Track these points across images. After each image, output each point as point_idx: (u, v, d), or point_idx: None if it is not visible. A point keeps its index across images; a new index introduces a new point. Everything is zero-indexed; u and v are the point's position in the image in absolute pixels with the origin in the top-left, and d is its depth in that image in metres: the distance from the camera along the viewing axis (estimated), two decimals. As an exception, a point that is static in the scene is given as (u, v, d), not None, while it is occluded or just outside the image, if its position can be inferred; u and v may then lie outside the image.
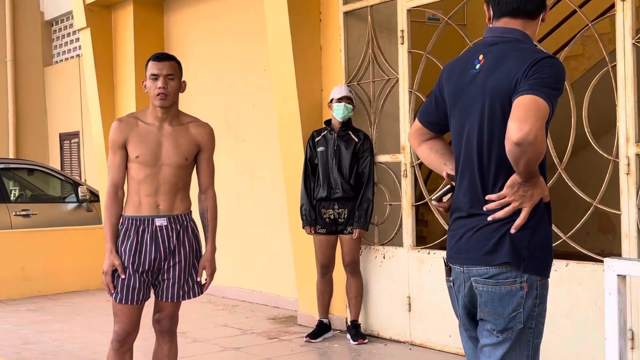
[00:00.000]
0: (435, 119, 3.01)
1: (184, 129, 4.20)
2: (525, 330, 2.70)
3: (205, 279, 4.28)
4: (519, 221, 2.66)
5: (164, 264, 4.11)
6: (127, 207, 4.13)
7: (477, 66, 2.79)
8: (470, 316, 2.87)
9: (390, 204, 6.55)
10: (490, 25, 2.87)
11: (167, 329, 4.26)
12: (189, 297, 4.22)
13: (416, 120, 3.08)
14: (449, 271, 2.90)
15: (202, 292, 4.29)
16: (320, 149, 6.45)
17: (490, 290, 2.70)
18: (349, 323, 6.49)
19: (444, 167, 3.00)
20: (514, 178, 2.64)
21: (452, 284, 2.89)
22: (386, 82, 6.55)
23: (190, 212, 4.25)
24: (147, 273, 4.09)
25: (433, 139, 3.06)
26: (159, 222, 4.10)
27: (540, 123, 2.49)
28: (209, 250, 4.26)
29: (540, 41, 7.71)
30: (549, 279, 2.77)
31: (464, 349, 2.97)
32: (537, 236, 2.70)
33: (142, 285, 4.08)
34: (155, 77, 4.07)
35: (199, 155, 4.25)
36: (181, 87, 4.18)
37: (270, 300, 8.07)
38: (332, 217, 6.38)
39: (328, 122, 6.55)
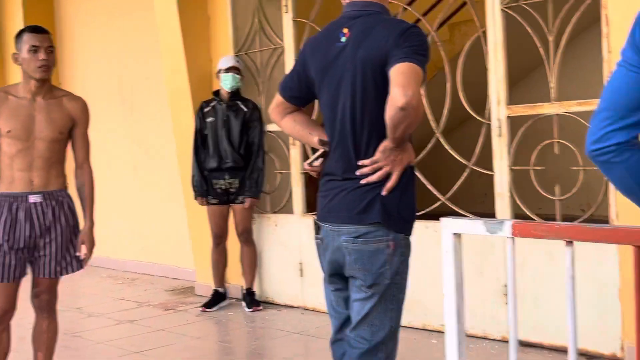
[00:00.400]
0: (297, 94, 3.12)
1: (58, 102, 4.16)
2: (392, 285, 2.87)
3: (85, 254, 4.28)
4: (390, 184, 2.80)
5: (40, 241, 4.09)
6: (1, 183, 4.08)
7: (343, 39, 2.91)
8: (334, 271, 3.00)
9: (281, 172, 6.62)
10: (349, 1, 2.98)
11: (45, 305, 4.23)
12: (67, 273, 4.20)
13: (277, 95, 3.17)
14: (317, 229, 3.03)
15: (81, 267, 4.29)
16: (209, 119, 6.45)
17: (360, 248, 2.84)
18: (244, 291, 6.56)
19: (310, 136, 3.12)
20: (385, 144, 2.77)
21: (320, 241, 3.02)
22: (273, 52, 6.58)
23: (66, 187, 4.23)
24: (23, 250, 4.06)
25: (294, 111, 3.17)
26: (33, 198, 4.07)
27: (419, 88, 2.64)
28: (87, 225, 4.25)
29: (429, 11, 7.84)
30: (410, 238, 2.93)
31: (326, 299, 3.12)
32: (405, 198, 2.86)
33: (18, 262, 4.05)
34: (35, 49, 4.02)
35: (73, 129, 4.22)
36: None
37: (170, 272, 8.08)
38: (223, 187, 6.42)
39: (217, 93, 6.55)
